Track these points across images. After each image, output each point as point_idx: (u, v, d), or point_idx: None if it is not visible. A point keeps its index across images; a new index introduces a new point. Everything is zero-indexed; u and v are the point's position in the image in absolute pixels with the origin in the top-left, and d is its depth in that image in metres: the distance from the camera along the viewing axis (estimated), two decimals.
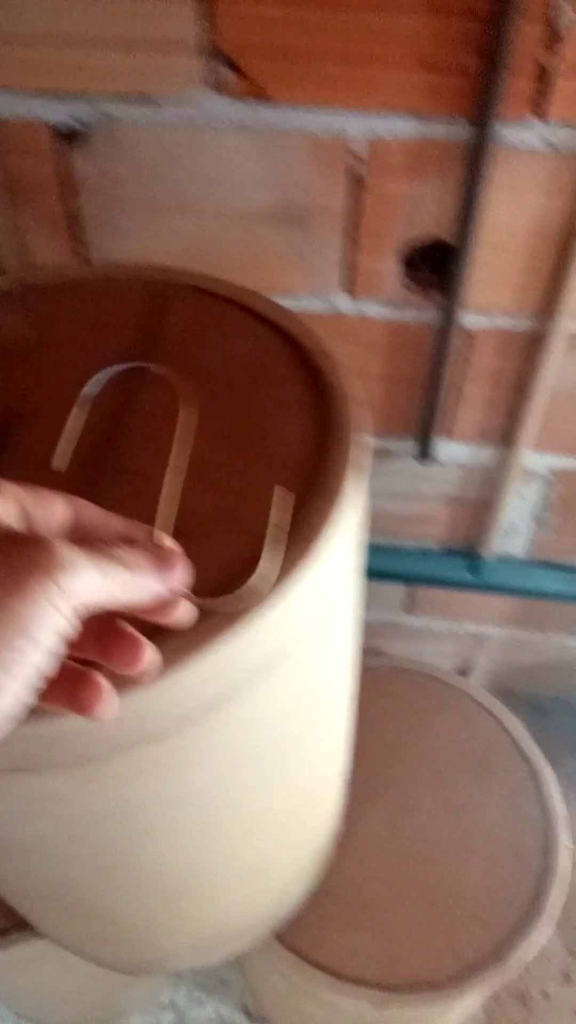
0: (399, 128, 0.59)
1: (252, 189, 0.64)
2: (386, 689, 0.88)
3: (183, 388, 0.44)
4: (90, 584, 0.26)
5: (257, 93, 0.58)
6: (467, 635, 1.03)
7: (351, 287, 0.69)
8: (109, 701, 0.28)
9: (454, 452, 0.81)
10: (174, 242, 0.68)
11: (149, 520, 0.33)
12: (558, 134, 0.59)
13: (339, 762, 0.64)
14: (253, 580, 0.35)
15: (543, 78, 0.56)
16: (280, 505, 0.38)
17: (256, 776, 0.46)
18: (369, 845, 0.79)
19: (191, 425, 0.41)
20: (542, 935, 0.74)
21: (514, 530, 0.89)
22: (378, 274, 0.68)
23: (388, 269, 0.68)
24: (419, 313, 0.70)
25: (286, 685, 0.41)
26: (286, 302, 0.71)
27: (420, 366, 0.74)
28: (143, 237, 0.68)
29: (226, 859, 0.52)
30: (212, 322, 0.51)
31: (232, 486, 0.40)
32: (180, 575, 0.29)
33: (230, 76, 0.58)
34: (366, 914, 0.75)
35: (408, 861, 0.79)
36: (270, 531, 0.37)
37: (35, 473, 0.41)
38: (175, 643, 0.33)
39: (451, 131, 0.59)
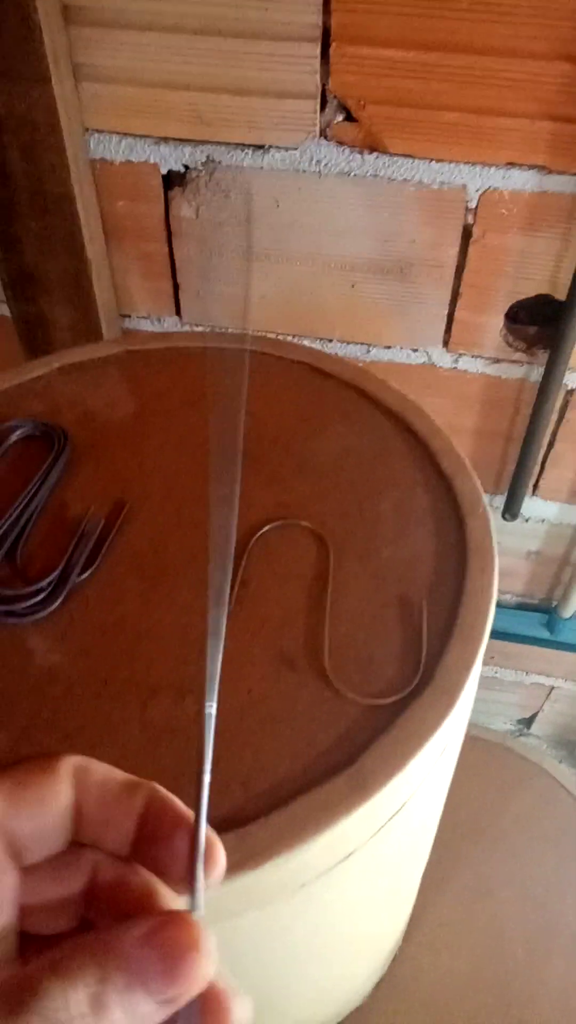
0: (520, 182, 0.55)
1: (355, 239, 0.60)
2: (462, 759, 0.81)
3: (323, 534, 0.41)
4: None
5: (371, 142, 0.55)
6: (535, 686, 0.99)
7: (449, 340, 0.66)
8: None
9: (540, 509, 0.77)
10: (270, 288, 0.65)
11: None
12: None
13: (422, 866, 0.60)
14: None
15: None
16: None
17: (356, 910, 0.43)
18: (439, 934, 0.74)
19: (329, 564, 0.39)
20: None
21: None
22: (480, 328, 0.64)
23: (491, 324, 0.64)
24: (516, 368, 0.66)
25: (401, 830, 0.38)
26: (378, 353, 0.68)
27: (513, 422, 0.70)
28: (239, 282, 0.65)
29: (303, 979, 0.48)
30: (328, 408, 0.47)
31: (365, 618, 0.37)
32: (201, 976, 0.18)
33: (344, 124, 0.54)
34: (433, 1016, 0.70)
35: (481, 955, 0.73)
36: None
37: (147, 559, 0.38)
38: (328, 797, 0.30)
39: (575, 185, 0.55)
